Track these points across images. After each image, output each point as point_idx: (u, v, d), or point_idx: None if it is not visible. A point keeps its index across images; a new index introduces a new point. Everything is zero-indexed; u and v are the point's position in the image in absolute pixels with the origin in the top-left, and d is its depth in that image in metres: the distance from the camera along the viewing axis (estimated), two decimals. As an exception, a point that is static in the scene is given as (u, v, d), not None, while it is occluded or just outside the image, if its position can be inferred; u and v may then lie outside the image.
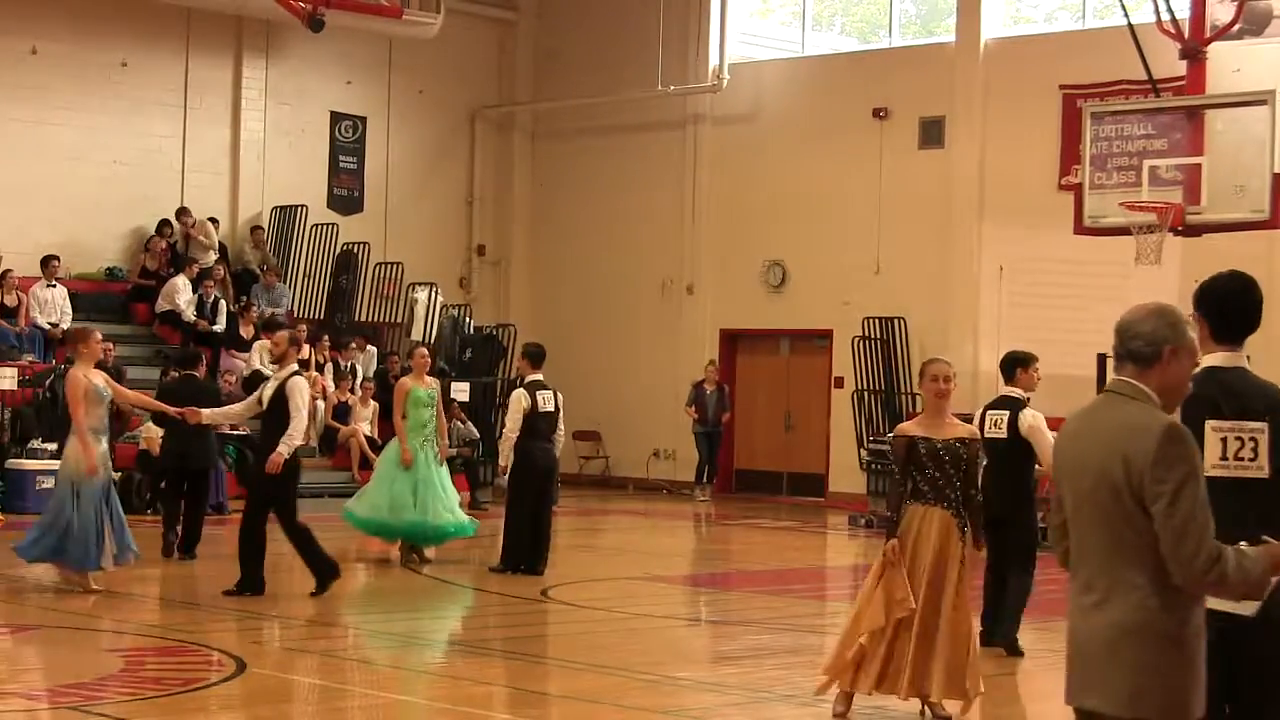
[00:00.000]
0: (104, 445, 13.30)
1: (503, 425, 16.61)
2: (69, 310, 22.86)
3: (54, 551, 13.22)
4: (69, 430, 13.35)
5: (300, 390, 13.15)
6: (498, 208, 29.07)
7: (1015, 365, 11.64)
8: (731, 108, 26.60)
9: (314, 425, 22.13)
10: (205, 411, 13.96)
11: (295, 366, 13.56)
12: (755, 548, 20.39)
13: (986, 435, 11.01)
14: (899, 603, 8.93)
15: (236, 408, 14.45)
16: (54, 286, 22.78)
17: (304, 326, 23.75)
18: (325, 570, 13.39)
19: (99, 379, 13.32)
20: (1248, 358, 5.62)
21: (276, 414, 13.09)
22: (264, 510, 13.21)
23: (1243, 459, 5.31)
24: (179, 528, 15.81)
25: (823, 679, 9.25)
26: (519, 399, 15.15)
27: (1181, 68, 18.76)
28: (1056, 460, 4.77)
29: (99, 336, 14.03)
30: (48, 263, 22.76)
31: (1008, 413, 11.29)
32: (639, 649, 11.79)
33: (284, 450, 12.94)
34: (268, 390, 13.31)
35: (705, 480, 25.44)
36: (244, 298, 24.62)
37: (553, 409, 15.34)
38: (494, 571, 15.19)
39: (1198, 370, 5.63)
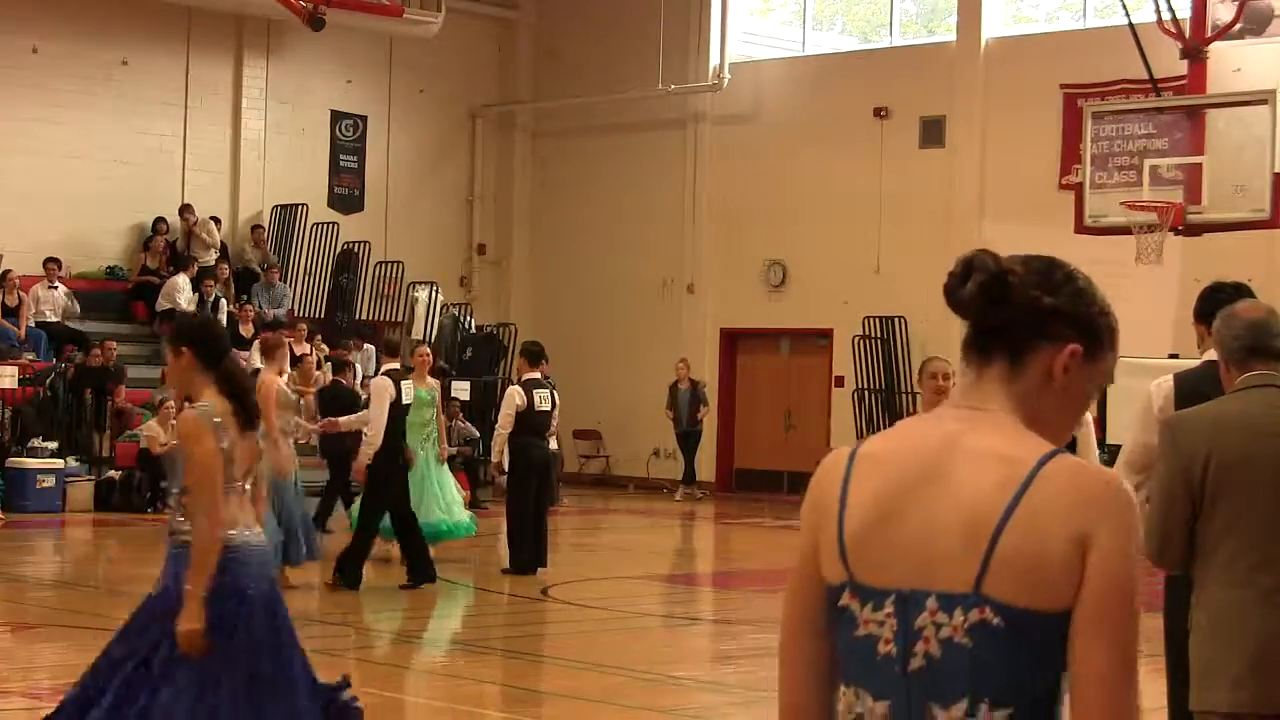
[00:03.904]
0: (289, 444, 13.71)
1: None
2: (76, 309, 22.92)
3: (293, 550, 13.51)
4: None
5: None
6: (498, 207, 29.07)
7: None
8: (732, 107, 26.59)
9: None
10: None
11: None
12: (755, 547, 20.39)
13: None
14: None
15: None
16: (55, 288, 22.81)
17: (304, 325, 23.80)
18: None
19: (284, 385, 13.97)
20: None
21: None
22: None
23: None
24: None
25: None
26: (512, 396, 15.21)
27: (1182, 67, 18.76)
28: (1189, 454, 4.75)
29: (288, 343, 14.90)
30: (48, 264, 22.79)
31: None
32: (639, 648, 11.79)
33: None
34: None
35: (685, 480, 25.43)
36: (244, 297, 24.64)
37: (549, 408, 15.37)
38: (506, 573, 15.19)
39: (1199, 363, 5.67)
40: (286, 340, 14.59)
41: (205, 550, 5.74)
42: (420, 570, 14.08)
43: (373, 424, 14.14)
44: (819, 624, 2.51)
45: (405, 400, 14.45)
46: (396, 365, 14.82)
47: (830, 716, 2.51)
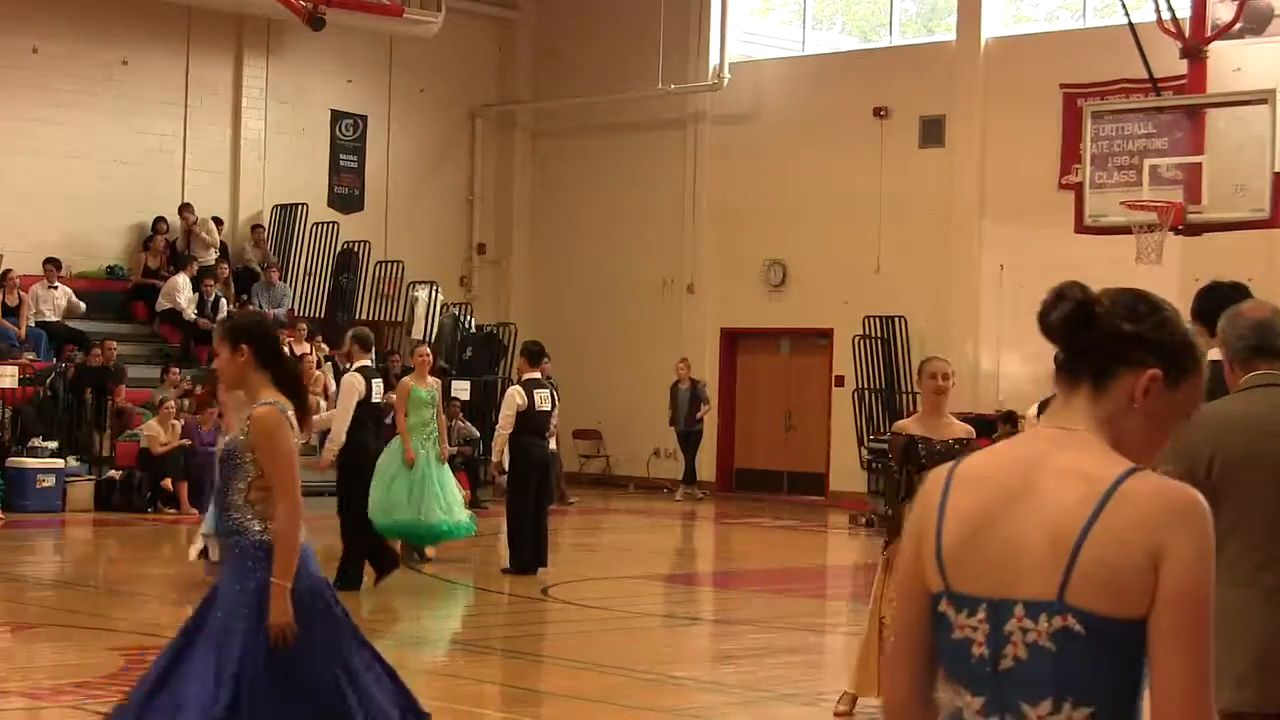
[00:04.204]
0: None
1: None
2: (79, 305, 22.92)
3: None
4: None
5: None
6: (498, 206, 29.07)
7: None
8: (732, 107, 26.59)
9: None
10: None
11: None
12: (756, 547, 20.39)
13: None
14: (889, 602, 8.93)
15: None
16: (55, 288, 22.81)
17: (304, 325, 23.81)
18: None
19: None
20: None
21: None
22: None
23: None
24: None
25: (850, 693, 9.21)
26: (512, 396, 15.20)
27: (1182, 67, 18.75)
28: (1193, 454, 4.76)
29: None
30: (47, 265, 22.79)
31: None
32: (639, 648, 11.79)
33: None
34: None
35: (686, 480, 25.43)
36: (244, 296, 24.64)
37: (549, 408, 15.39)
38: (506, 573, 15.18)
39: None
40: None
41: (292, 543, 5.82)
42: (362, 567, 13.95)
43: (336, 421, 14.03)
44: (923, 627, 2.74)
45: (375, 398, 14.33)
46: (368, 362, 14.69)
47: (931, 709, 2.78)
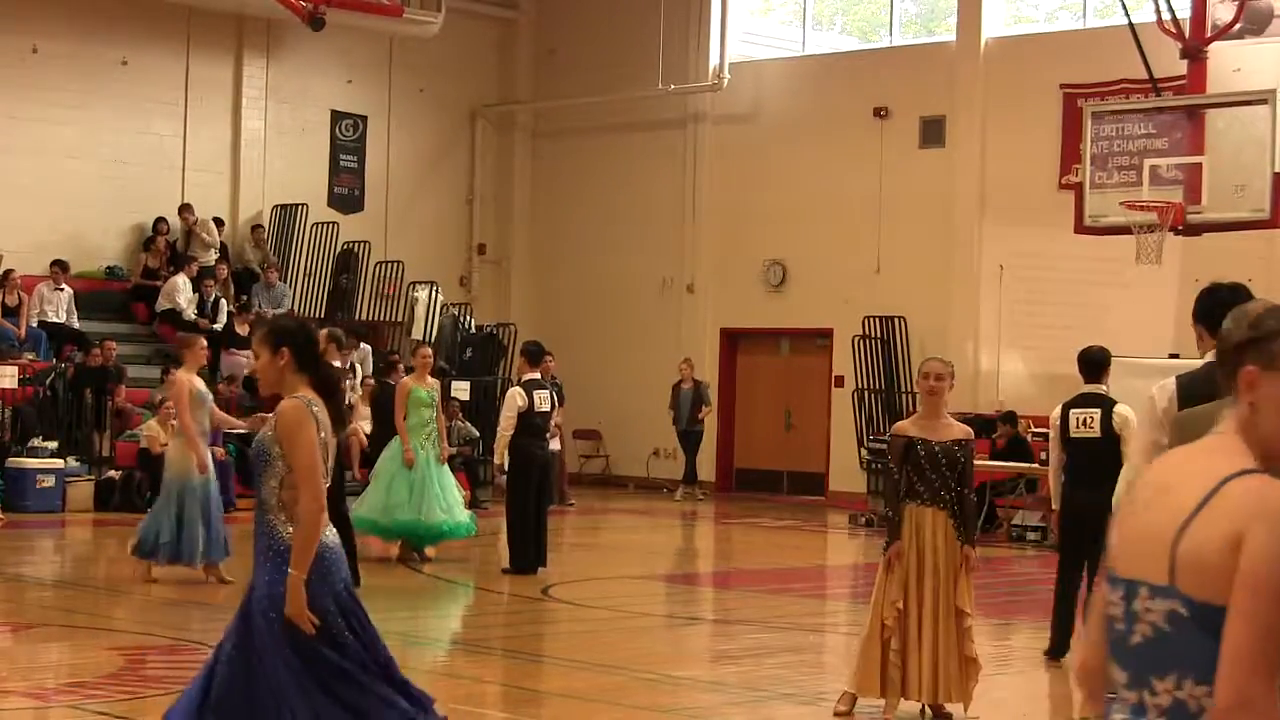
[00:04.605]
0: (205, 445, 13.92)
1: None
2: (74, 310, 22.90)
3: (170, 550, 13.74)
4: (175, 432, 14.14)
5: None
6: (498, 207, 29.07)
7: (1105, 364, 11.05)
8: (732, 107, 26.60)
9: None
10: None
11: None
12: (755, 547, 20.39)
13: (1073, 435, 10.75)
14: (890, 603, 8.94)
15: None
16: (61, 290, 22.80)
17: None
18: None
19: (200, 383, 13.92)
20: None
21: None
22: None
23: None
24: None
25: (849, 693, 9.22)
26: (513, 397, 15.20)
27: (1182, 67, 18.76)
28: None
29: (204, 342, 14.56)
30: (53, 267, 22.78)
31: (1099, 410, 10.70)
32: (639, 648, 11.80)
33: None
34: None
35: (686, 480, 25.42)
36: (244, 297, 24.64)
37: (548, 408, 15.40)
38: (506, 573, 15.18)
39: (1200, 365, 5.66)
40: (201, 339, 14.66)
41: (311, 534, 5.85)
42: (355, 565, 13.98)
43: None
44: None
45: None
46: (337, 363, 14.64)
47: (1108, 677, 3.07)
